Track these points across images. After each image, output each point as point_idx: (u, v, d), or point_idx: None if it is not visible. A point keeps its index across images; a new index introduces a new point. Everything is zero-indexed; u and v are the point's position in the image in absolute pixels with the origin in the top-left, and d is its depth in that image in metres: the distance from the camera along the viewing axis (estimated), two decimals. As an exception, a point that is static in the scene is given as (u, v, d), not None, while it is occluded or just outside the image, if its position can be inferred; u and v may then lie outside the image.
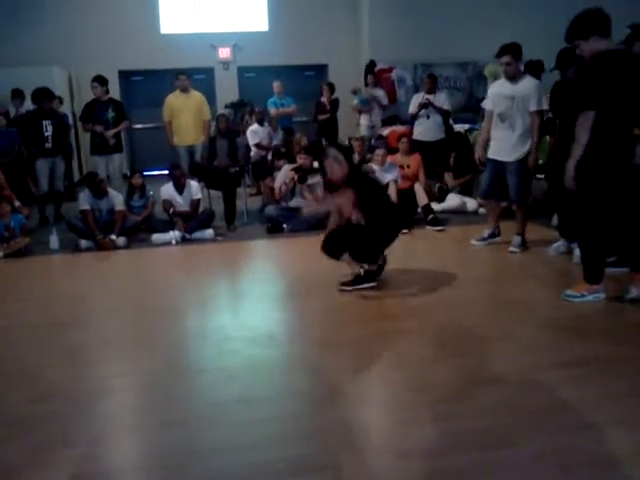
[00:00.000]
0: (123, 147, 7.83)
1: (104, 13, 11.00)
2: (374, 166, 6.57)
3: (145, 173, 7.30)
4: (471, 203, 7.14)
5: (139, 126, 11.66)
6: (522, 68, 5.23)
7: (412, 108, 8.12)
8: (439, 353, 3.25)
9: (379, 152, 6.83)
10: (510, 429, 2.43)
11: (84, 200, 6.19)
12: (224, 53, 11.67)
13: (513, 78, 4.99)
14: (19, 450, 2.42)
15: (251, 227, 6.85)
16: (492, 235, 5.51)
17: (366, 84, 9.70)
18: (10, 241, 5.85)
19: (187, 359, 3.40)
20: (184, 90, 7.99)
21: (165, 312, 4.12)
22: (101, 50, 10.81)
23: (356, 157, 6.78)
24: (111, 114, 7.38)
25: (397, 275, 4.61)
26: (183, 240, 6.24)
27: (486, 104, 5.37)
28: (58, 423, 2.62)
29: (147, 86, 11.58)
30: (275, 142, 8.93)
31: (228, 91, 11.34)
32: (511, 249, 5.25)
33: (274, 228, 6.51)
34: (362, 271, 4.34)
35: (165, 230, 6.31)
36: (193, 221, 6.42)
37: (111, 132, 7.35)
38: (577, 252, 4.44)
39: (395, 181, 6.50)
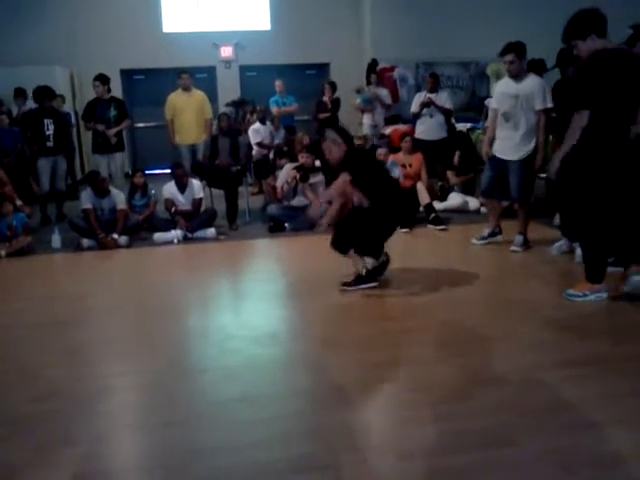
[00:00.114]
0: (125, 146, 7.84)
1: (106, 12, 11.00)
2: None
3: (147, 172, 7.31)
4: (473, 202, 7.13)
5: (141, 125, 11.66)
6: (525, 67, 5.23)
7: (414, 107, 8.10)
8: (440, 352, 3.25)
9: (381, 151, 6.83)
10: (511, 428, 2.43)
11: (86, 199, 6.19)
12: (226, 52, 11.66)
13: (517, 77, 4.97)
14: (21, 449, 2.42)
15: (253, 226, 6.85)
16: (492, 234, 5.49)
17: (368, 83, 9.68)
18: (12, 240, 5.86)
19: (189, 358, 3.41)
20: (186, 89, 7.99)
21: (167, 311, 4.13)
22: (103, 49, 10.81)
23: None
24: (113, 113, 7.39)
25: (399, 274, 4.61)
26: (185, 239, 6.24)
27: (491, 103, 5.37)
28: (60, 422, 2.62)
29: (149, 85, 11.58)
30: (277, 141, 8.94)
31: (230, 90, 11.33)
32: (513, 248, 5.25)
33: (276, 227, 6.51)
34: (364, 271, 4.34)
35: (167, 229, 6.31)
36: (195, 220, 6.43)
37: (113, 131, 7.35)
38: (579, 251, 4.43)
39: (397, 180, 6.49)
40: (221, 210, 6.80)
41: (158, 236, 6.26)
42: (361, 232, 4.24)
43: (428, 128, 8.01)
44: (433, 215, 6.43)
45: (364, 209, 4.23)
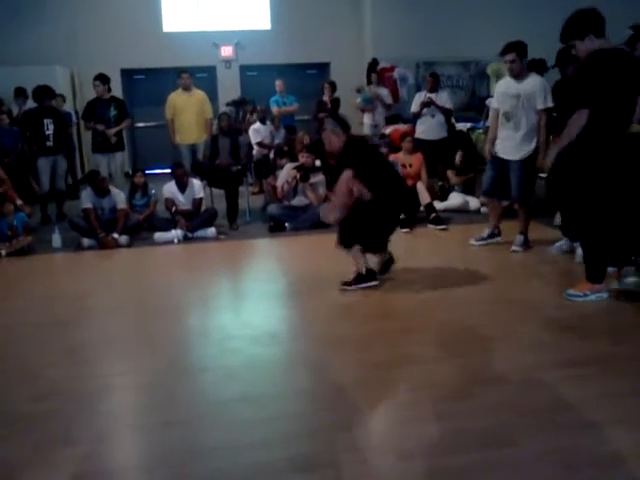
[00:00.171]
0: (125, 145, 7.84)
1: (106, 11, 11.00)
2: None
3: (147, 172, 7.31)
4: (473, 202, 7.13)
5: (141, 124, 11.66)
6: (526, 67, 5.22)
7: (414, 107, 8.10)
8: (441, 352, 3.25)
9: (382, 151, 6.82)
10: (511, 428, 2.43)
11: (86, 198, 6.20)
12: (226, 51, 11.66)
13: (518, 76, 4.96)
14: (21, 448, 2.42)
15: (253, 226, 6.85)
16: (492, 235, 5.47)
17: (369, 82, 9.68)
18: (13, 240, 5.86)
19: (189, 358, 3.41)
20: (186, 88, 7.98)
21: (167, 311, 4.13)
22: (103, 48, 10.81)
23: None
24: (113, 112, 7.39)
25: (399, 274, 4.60)
26: (185, 239, 6.24)
27: (492, 102, 5.37)
28: (60, 422, 2.62)
29: (149, 84, 11.58)
30: (277, 141, 8.94)
31: (230, 89, 11.33)
32: (513, 248, 5.24)
33: (276, 227, 6.51)
34: (364, 270, 4.33)
35: (167, 229, 6.31)
36: (195, 220, 6.43)
37: (113, 130, 7.35)
38: (579, 251, 4.43)
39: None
40: (221, 210, 6.80)
41: (158, 236, 6.26)
42: (364, 225, 4.23)
43: (428, 128, 8.01)
44: (433, 215, 6.43)
45: (366, 202, 4.21)
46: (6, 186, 6.41)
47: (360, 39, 11.62)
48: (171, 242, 6.19)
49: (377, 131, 9.30)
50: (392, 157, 6.86)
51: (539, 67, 6.17)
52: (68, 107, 9.59)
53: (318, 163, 6.96)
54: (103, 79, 7.37)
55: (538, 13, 10.30)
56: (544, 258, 5.04)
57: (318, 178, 6.75)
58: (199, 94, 8.07)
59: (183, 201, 6.54)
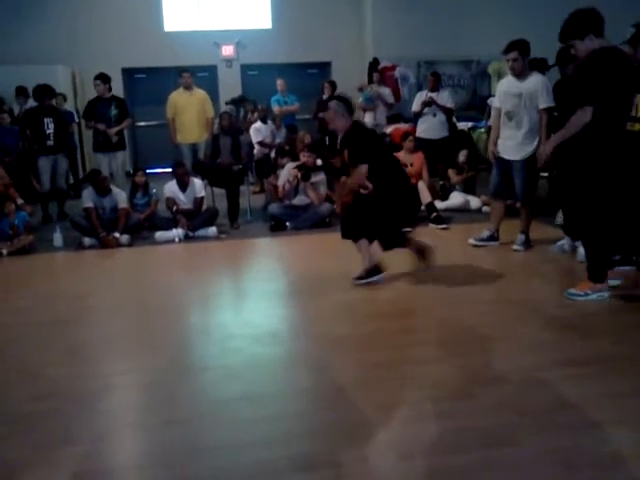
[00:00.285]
0: (126, 145, 7.84)
1: (107, 11, 11.00)
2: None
3: (148, 171, 7.32)
4: (474, 201, 7.12)
5: (142, 124, 11.66)
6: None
7: (415, 106, 8.09)
8: (441, 352, 3.25)
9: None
10: (512, 428, 2.43)
11: (87, 198, 6.20)
12: (227, 51, 11.66)
13: (520, 75, 4.95)
14: (21, 448, 2.42)
15: (254, 225, 6.86)
16: (490, 238, 5.44)
17: (370, 82, 9.67)
18: (14, 239, 5.87)
19: (190, 357, 3.41)
20: (187, 88, 7.99)
21: (168, 310, 4.13)
22: (104, 48, 10.81)
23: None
24: (114, 112, 7.38)
25: (399, 274, 4.60)
26: (186, 238, 6.24)
27: (494, 102, 5.36)
28: (60, 421, 2.62)
29: (150, 84, 11.57)
30: (278, 140, 8.93)
31: (231, 89, 11.31)
32: (515, 247, 5.24)
33: (277, 226, 6.52)
34: (372, 264, 4.35)
35: (168, 228, 6.31)
36: (196, 219, 6.43)
37: (114, 130, 7.35)
38: (581, 250, 4.43)
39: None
40: (222, 209, 6.80)
41: (159, 235, 6.26)
42: (368, 216, 4.25)
43: (430, 127, 8.00)
44: (434, 214, 6.43)
45: (369, 196, 4.22)
46: (4, 178, 6.40)
47: (361, 38, 11.61)
48: (172, 241, 6.19)
49: (379, 130, 9.29)
50: (393, 156, 6.85)
51: (540, 66, 6.16)
52: (69, 106, 9.59)
53: (319, 162, 6.96)
54: (104, 78, 7.37)
55: (539, 12, 10.28)
56: (545, 257, 5.03)
57: (319, 177, 6.75)
58: (200, 93, 8.07)
59: (184, 200, 6.54)
